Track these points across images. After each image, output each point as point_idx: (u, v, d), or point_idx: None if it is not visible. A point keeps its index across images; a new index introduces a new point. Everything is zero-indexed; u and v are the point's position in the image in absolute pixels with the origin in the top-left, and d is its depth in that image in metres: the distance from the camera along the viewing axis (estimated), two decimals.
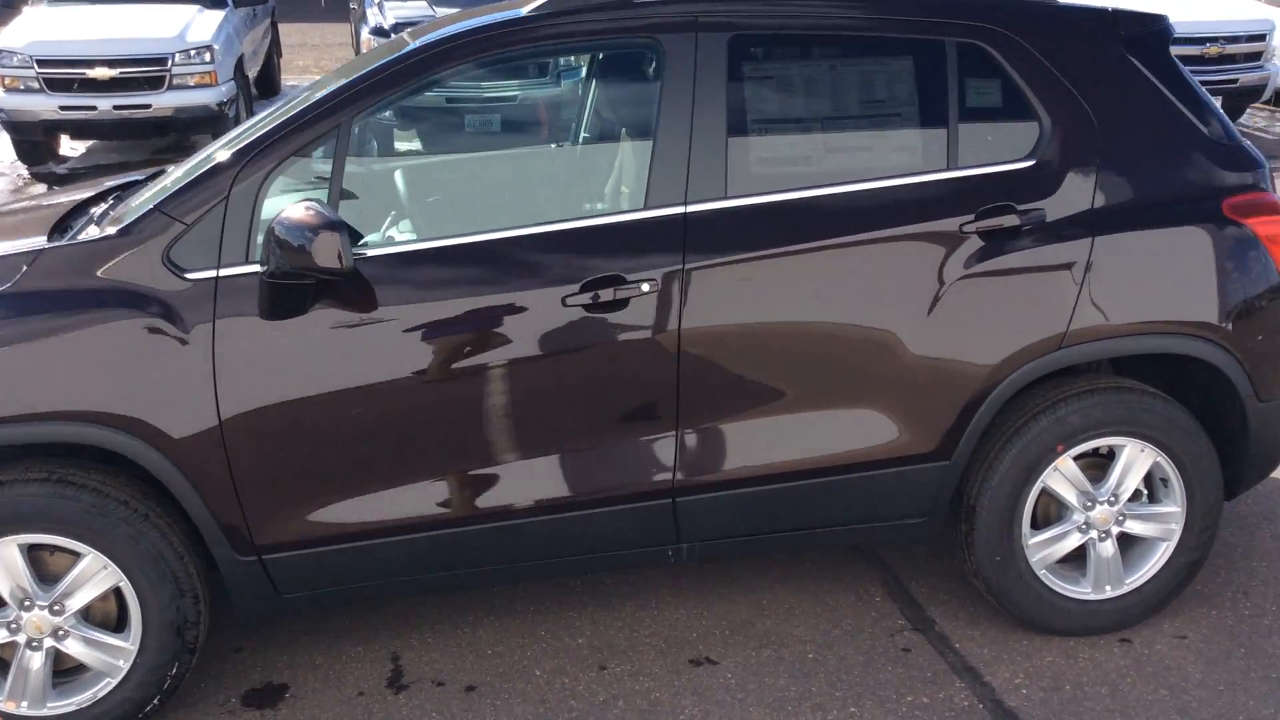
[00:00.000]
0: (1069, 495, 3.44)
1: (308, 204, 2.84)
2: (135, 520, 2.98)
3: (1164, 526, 3.49)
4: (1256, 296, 3.37)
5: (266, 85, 12.50)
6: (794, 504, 3.34)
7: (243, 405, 2.97)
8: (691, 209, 3.13)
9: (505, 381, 3.09)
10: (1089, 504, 3.44)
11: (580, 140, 4.00)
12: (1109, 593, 3.51)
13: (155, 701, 3.13)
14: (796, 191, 3.22)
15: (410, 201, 3.72)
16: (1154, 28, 3.47)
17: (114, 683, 3.08)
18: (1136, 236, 3.30)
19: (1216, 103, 3.65)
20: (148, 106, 9.19)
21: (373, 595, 3.47)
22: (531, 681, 3.39)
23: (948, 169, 3.27)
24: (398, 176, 3.84)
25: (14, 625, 3.02)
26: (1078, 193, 3.28)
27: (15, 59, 9.07)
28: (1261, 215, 3.38)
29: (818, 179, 3.28)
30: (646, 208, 3.14)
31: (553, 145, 4.33)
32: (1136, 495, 3.54)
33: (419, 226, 3.55)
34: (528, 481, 3.18)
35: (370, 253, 3.03)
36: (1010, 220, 3.23)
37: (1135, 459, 3.42)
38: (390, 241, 3.29)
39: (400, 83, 3.10)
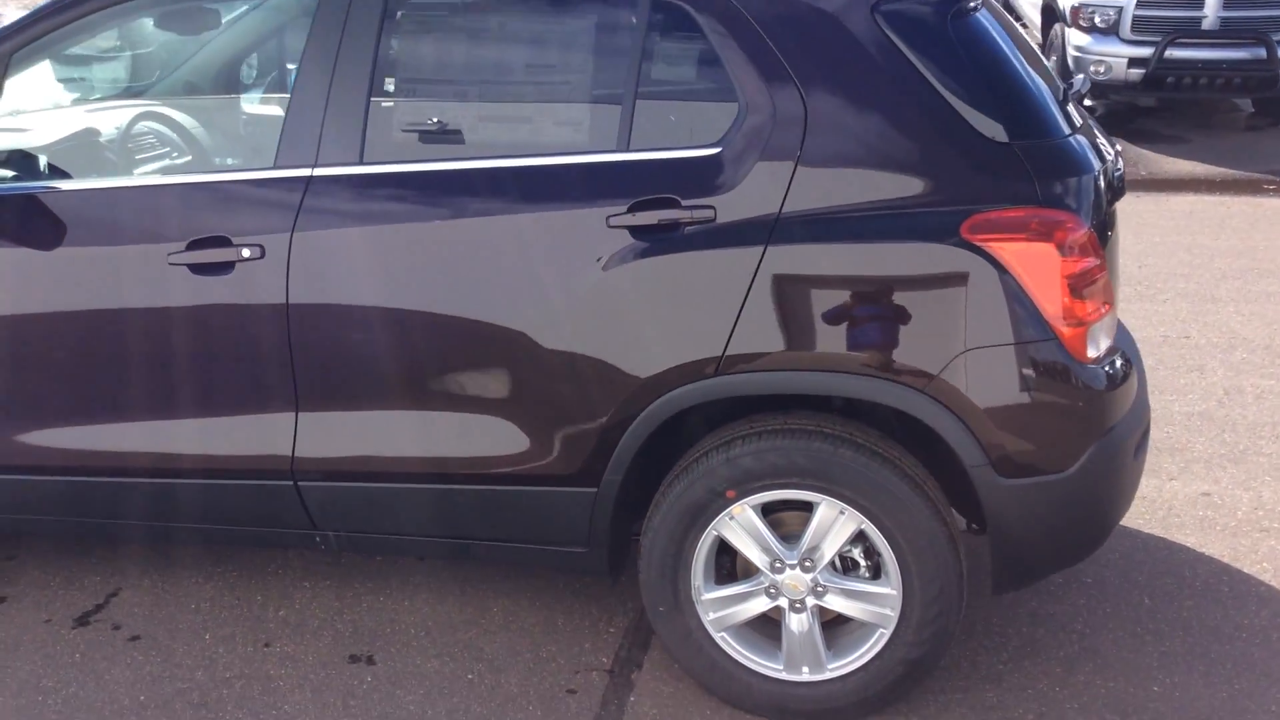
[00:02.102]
0: (750, 551, 2.87)
1: None
2: None
3: (874, 609, 2.83)
4: (995, 342, 2.61)
5: None
6: (434, 509, 3.02)
7: None
8: (318, 172, 2.88)
9: (115, 339, 3.02)
10: (777, 565, 2.85)
11: (238, 89, 3.78)
12: (805, 675, 2.91)
13: None
14: (436, 163, 2.88)
15: (46, 144, 3.60)
16: None
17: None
18: (823, 251, 2.66)
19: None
20: None
21: (26, 530, 3.55)
22: (195, 642, 3.33)
23: (615, 150, 2.78)
24: (45, 117, 3.74)
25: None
26: (764, 192, 2.68)
27: None
28: (1011, 235, 2.60)
29: (466, 152, 2.91)
30: (275, 166, 2.93)
31: (209, 95, 4.05)
32: (853, 566, 2.89)
33: (47, 170, 3.38)
34: (148, 442, 3.09)
35: None
36: (667, 216, 2.70)
37: (831, 521, 2.79)
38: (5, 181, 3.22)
39: (55, 22, 3.06)
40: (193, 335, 2.98)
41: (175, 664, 3.23)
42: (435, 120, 2.96)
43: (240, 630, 3.38)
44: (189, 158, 3.66)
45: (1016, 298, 2.59)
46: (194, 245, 2.90)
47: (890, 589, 2.80)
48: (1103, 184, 2.82)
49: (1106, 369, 2.72)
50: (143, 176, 3.08)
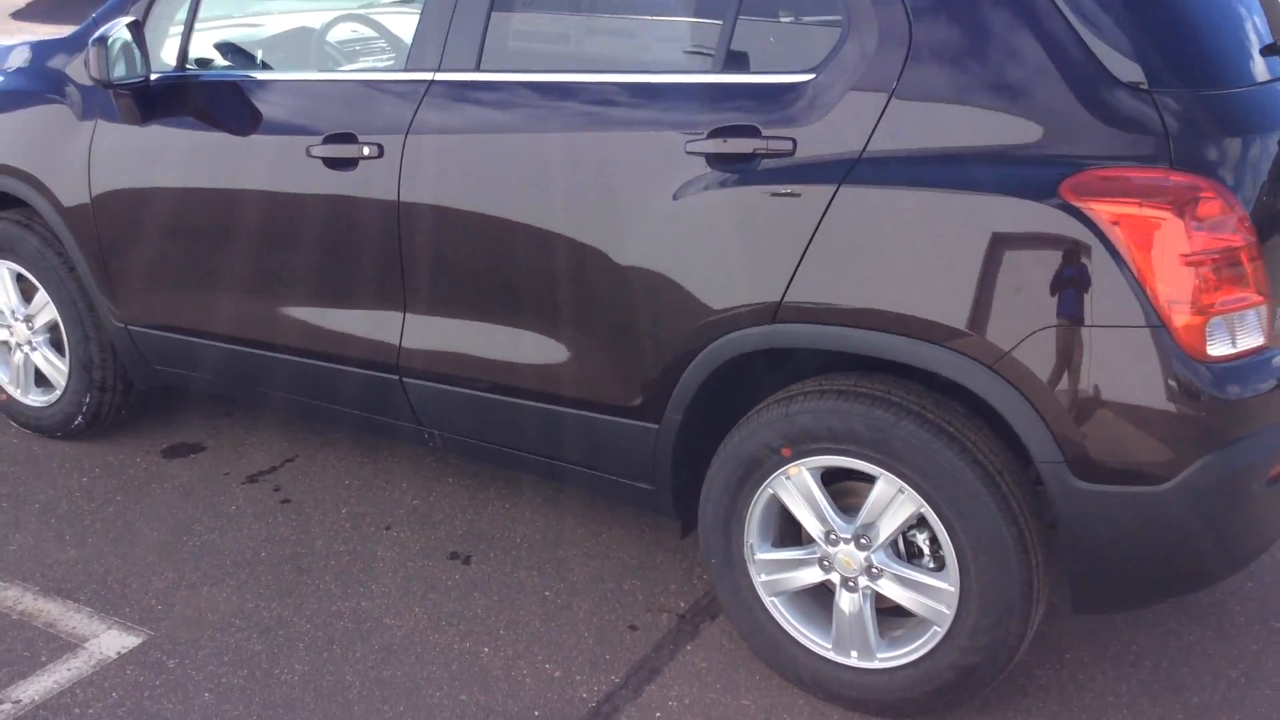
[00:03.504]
0: (804, 516, 2.65)
1: (115, 25, 3.22)
2: None
3: (929, 603, 2.54)
4: (1084, 322, 2.23)
5: None
6: (519, 423, 3.03)
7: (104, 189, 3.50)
8: (439, 77, 2.93)
9: (258, 220, 3.24)
10: (832, 536, 2.63)
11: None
12: (853, 660, 2.67)
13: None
14: (533, 74, 2.83)
15: (260, 39, 3.79)
16: None
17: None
18: (898, 197, 2.36)
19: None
20: None
21: (211, 390, 3.85)
22: (331, 514, 3.57)
23: (710, 71, 2.61)
24: (279, 15, 3.87)
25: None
26: (850, 126, 2.42)
27: None
28: (1121, 199, 2.19)
29: (567, 64, 2.84)
30: (406, 69, 3.00)
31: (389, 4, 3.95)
32: (919, 554, 2.60)
33: (213, 60, 3.53)
34: (284, 321, 3.30)
35: (153, 77, 3.31)
36: (744, 146, 2.51)
37: (889, 498, 2.52)
38: (171, 69, 3.42)
39: None
40: (323, 226, 3.13)
41: (305, 530, 3.48)
42: (545, 31, 2.91)
43: (373, 510, 3.58)
44: (379, 59, 3.82)
45: (1118, 274, 2.19)
46: (329, 140, 3.04)
47: (948, 584, 2.49)
48: None
49: (1239, 372, 2.25)
50: (303, 71, 3.26)
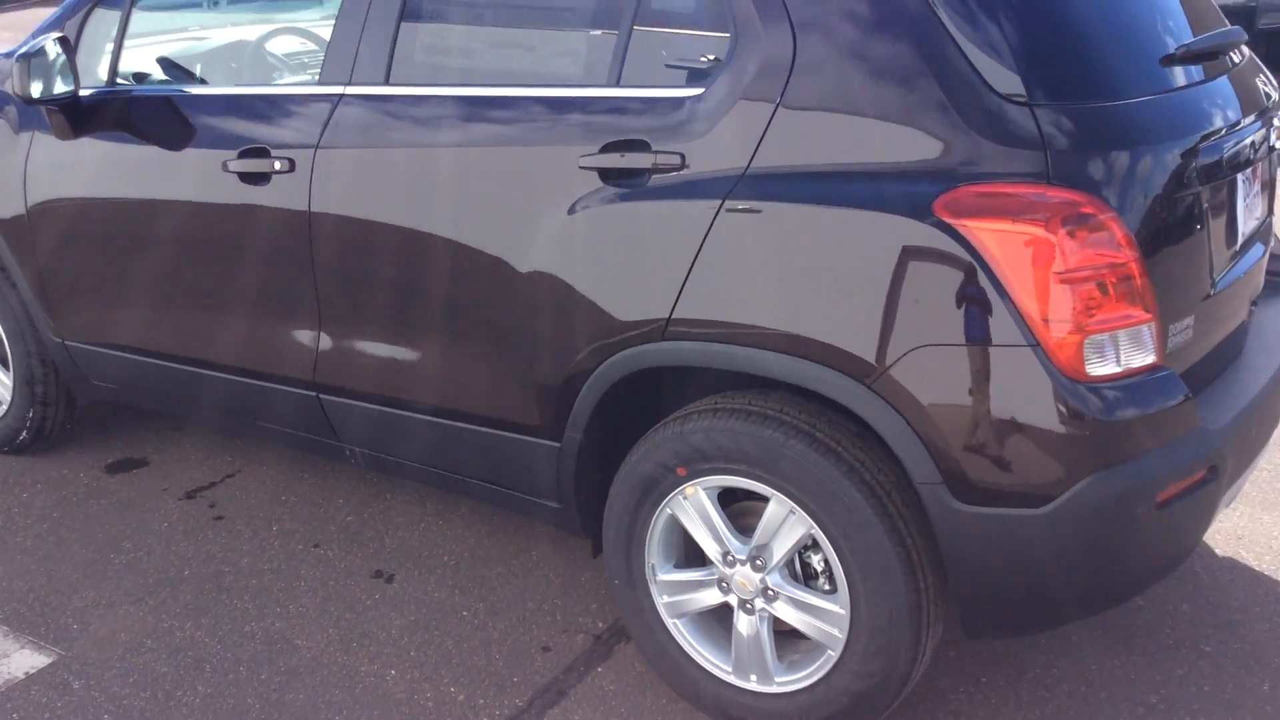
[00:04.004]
0: (703, 537, 2.60)
1: (38, 42, 3.23)
2: None
3: (822, 626, 2.49)
4: (958, 340, 2.17)
5: None
6: (431, 439, 3.00)
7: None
8: (349, 90, 2.91)
9: (181, 235, 3.24)
10: (729, 558, 2.58)
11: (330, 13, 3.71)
12: (753, 684, 2.61)
13: None
14: (442, 87, 2.81)
15: (198, 53, 3.79)
16: None
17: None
18: (780, 213, 2.31)
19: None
20: None
21: (147, 407, 3.86)
22: (261, 531, 3.55)
23: (605, 85, 2.58)
24: (221, 30, 3.87)
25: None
26: (736, 141, 2.37)
27: None
28: (993, 216, 2.14)
29: (472, 77, 2.82)
30: (319, 82, 2.99)
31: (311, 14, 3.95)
32: (814, 575, 2.55)
33: (148, 75, 3.54)
34: (209, 338, 3.30)
35: (84, 93, 3.32)
36: (634, 161, 2.48)
37: (781, 519, 2.47)
38: (100, 86, 3.42)
39: None
40: (241, 241, 3.13)
41: (232, 547, 3.46)
42: (451, 44, 2.89)
43: (304, 527, 3.56)
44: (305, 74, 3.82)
45: (994, 292, 2.13)
46: (244, 155, 3.04)
47: (839, 607, 2.44)
48: (1200, 162, 2.28)
49: (1123, 392, 2.19)
50: (223, 85, 3.27)
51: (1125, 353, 2.19)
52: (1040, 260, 2.12)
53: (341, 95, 2.91)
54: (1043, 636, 2.94)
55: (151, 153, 3.26)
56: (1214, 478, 2.33)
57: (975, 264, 2.14)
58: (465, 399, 2.86)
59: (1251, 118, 2.57)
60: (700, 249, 2.39)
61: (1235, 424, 2.39)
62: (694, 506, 2.58)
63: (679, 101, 2.45)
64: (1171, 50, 2.40)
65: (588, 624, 3.07)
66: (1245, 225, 2.61)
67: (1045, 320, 2.12)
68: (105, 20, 3.44)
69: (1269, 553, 3.29)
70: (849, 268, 2.25)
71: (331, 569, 3.34)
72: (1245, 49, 2.85)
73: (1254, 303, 2.75)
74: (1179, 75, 2.42)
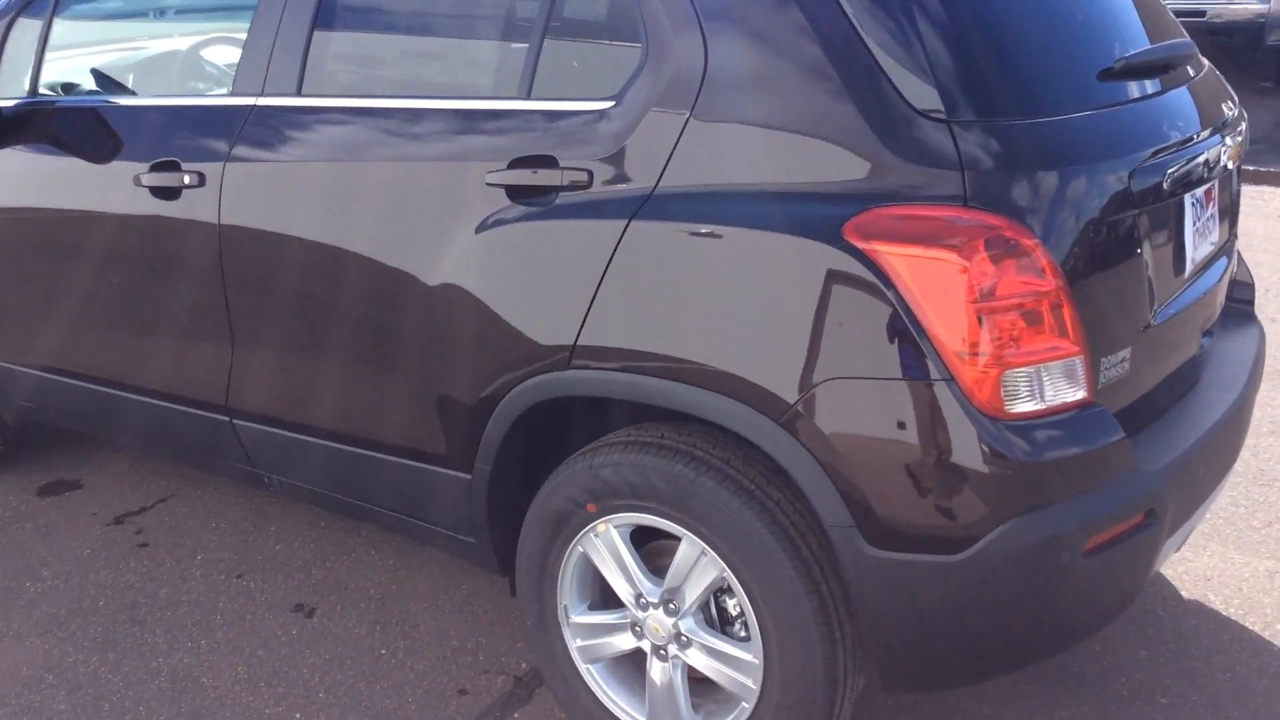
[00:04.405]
0: (614, 578, 2.45)
1: None
2: None
3: (735, 676, 2.33)
4: (869, 373, 2.02)
5: None
6: (345, 468, 2.86)
7: None
8: (261, 101, 2.79)
9: (95, 252, 3.11)
10: (641, 600, 2.43)
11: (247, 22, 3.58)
12: None
13: None
14: (352, 99, 2.68)
15: (130, 64, 3.68)
16: None
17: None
18: (686, 235, 2.17)
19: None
20: None
21: (73, 429, 3.73)
22: (185, 560, 3.42)
23: (515, 97, 2.44)
24: (158, 40, 3.77)
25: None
26: (645, 158, 2.23)
27: None
28: (904, 242, 1.99)
29: (382, 88, 2.69)
30: (232, 93, 2.86)
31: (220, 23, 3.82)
32: (730, 621, 2.39)
33: (77, 86, 3.43)
34: (126, 359, 3.18)
35: (3, 104, 3.21)
36: (541, 178, 2.34)
37: (693, 561, 2.32)
38: (23, 97, 3.33)
39: None
40: (153, 259, 3.00)
41: (153, 576, 3.33)
42: (363, 54, 2.76)
43: (230, 556, 3.43)
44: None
45: (905, 322, 1.98)
46: (155, 168, 2.91)
47: (752, 656, 2.28)
48: (1139, 182, 2.13)
49: (1044, 430, 2.03)
50: (140, 97, 3.15)
51: (1050, 388, 2.03)
52: (954, 288, 1.96)
53: (253, 107, 2.78)
54: (989, 684, 2.77)
55: (69, 165, 3.14)
56: (1153, 523, 2.16)
57: (887, 291, 1.99)
58: (375, 426, 2.72)
59: (1204, 135, 2.41)
60: (605, 273, 2.25)
61: (1178, 465, 2.23)
62: (605, 545, 2.42)
63: (588, 115, 2.31)
64: (1110, 64, 2.25)
65: (511, 664, 2.92)
66: (1196, 251, 2.45)
67: (960, 353, 1.97)
68: (29, 30, 3.33)
69: (1238, 595, 3.11)
70: (756, 295, 2.10)
71: (251, 601, 3.20)
72: (1204, 62, 2.70)
73: (1207, 334, 2.59)
74: (1118, 90, 2.26)
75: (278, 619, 3.12)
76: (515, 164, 2.36)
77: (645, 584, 2.40)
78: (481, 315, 2.43)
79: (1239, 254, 2.94)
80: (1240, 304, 2.89)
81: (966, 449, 1.99)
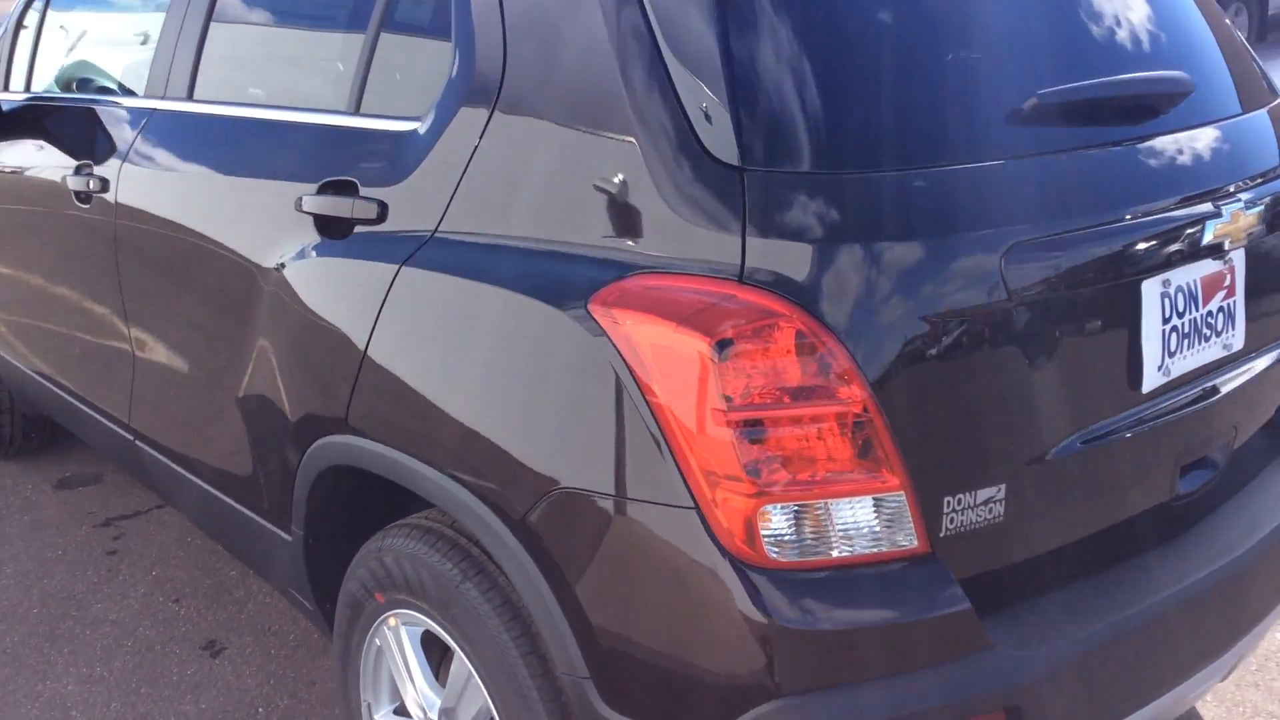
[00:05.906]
0: (400, 681, 2.08)
1: None
2: None
3: None
4: (600, 488, 1.56)
5: None
6: (201, 504, 2.61)
7: None
8: (161, 105, 2.59)
9: (35, 254, 3.05)
10: (425, 713, 2.04)
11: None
12: None
13: None
14: (221, 106, 2.42)
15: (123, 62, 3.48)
16: None
17: None
18: (445, 291, 1.77)
19: None
20: None
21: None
22: (137, 573, 3.30)
23: (345, 111, 2.11)
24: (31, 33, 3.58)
25: None
26: (431, 191, 1.85)
27: None
28: (653, 318, 1.51)
29: (244, 97, 2.42)
30: (144, 95, 2.68)
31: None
32: None
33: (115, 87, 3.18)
34: (64, 363, 3.08)
35: None
36: (341, 208, 2.00)
37: (464, 680, 1.91)
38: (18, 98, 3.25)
39: None
40: (75, 264, 2.88)
41: (97, 589, 3.22)
42: (241, 57, 2.49)
43: (181, 578, 3.28)
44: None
45: (644, 423, 1.51)
46: (76, 171, 2.78)
47: None
48: (1030, 260, 1.58)
49: (825, 589, 1.50)
50: (80, 96, 3.02)
51: (847, 533, 1.50)
52: (707, 387, 1.48)
53: (154, 110, 2.59)
54: None
55: (18, 165, 3.09)
56: None
57: (628, 382, 1.52)
58: (219, 464, 2.46)
59: (1204, 197, 1.78)
60: (374, 327, 1.88)
61: (1072, 653, 1.62)
62: (394, 641, 2.06)
63: (393, 136, 1.95)
64: (1021, 103, 1.66)
65: None
66: (1175, 358, 1.81)
67: (707, 473, 1.48)
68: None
69: None
70: (507, 370, 1.68)
71: (170, 631, 3.03)
72: (1254, 100, 2.02)
73: (1204, 467, 1.92)
74: (1034, 137, 1.67)
75: (183, 654, 2.93)
76: (323, 189, 2.03)
77: (428, 694, 2.02)
78: (284, 364, 2.13)
79: None
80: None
81: (713, 602, 1.49)
